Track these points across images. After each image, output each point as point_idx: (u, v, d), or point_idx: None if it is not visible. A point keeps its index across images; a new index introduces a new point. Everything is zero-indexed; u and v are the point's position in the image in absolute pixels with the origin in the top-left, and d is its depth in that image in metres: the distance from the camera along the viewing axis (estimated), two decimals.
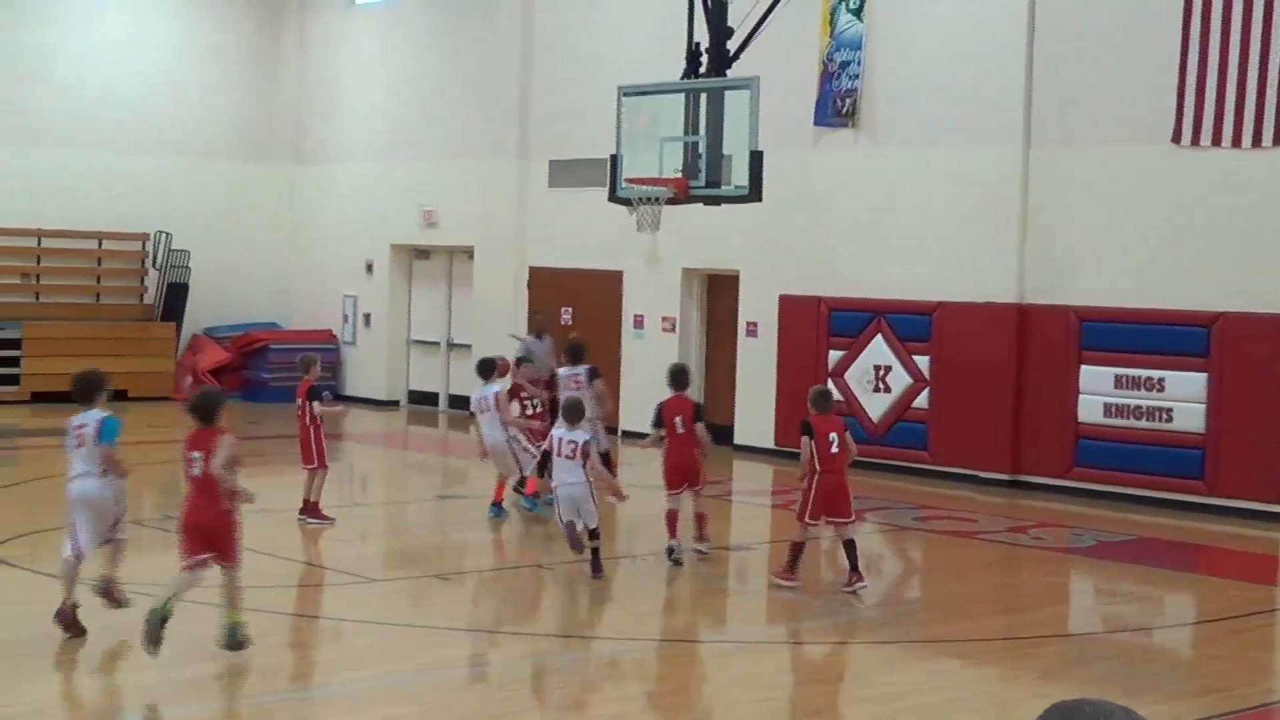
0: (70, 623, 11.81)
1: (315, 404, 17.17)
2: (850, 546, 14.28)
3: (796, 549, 14.30)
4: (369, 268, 30.89)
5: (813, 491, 14.07)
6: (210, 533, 11.33)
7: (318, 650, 12.43)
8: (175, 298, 30.63)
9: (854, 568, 14.24)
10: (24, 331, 28.67)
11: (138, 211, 30.40)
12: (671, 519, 15.57)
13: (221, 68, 31.75)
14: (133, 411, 25.58)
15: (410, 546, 16.99)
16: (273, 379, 29.82)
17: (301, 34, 32.30)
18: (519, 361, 19.64)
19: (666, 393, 15.84)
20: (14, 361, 28.57)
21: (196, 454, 11.27)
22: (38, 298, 30.01)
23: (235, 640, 11.39)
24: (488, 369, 18.24)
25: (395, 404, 30.09)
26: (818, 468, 14.03)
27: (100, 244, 30.49)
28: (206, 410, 11.56)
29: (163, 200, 30.59)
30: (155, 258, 30.66)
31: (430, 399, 29.95)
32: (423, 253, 30.61)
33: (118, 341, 29.17)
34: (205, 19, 31.63)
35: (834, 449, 14.12)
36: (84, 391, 12.23)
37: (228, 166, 31.74)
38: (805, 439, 14.05)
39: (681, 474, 15.61)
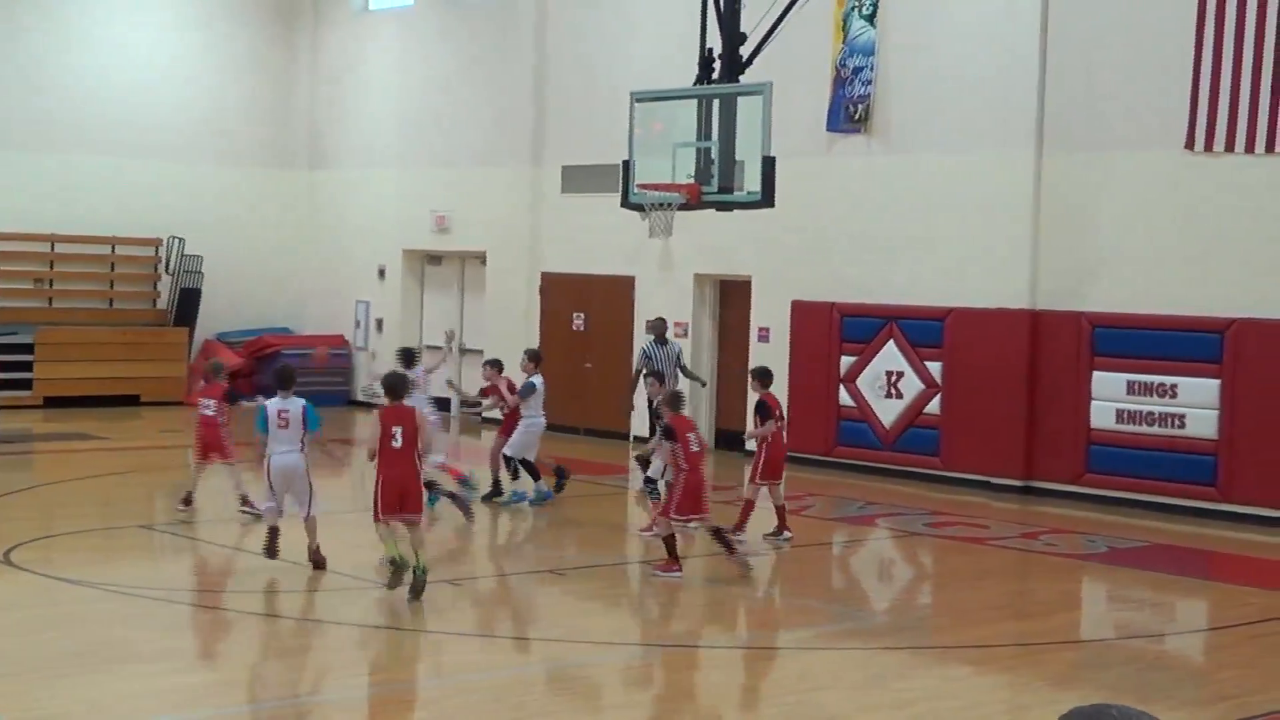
0: (271, 548, 14.58)
1: (243, 402, 18.05)
2: (717, 532, 15.11)
3: (670, 541, 14.99)
4: (381, 273, 30.93)
5: (680, 489, 14.79)
6: (407, 494, 13.55)
7: (333, 655, 12.43)
8: (188, 303, 30.67)
9: (729, 546, 15.10)
10: (36, 336, 28.71)
11: (151, 217, 30.45)
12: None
13: (235, 74, 31.79)
14: (145, 416, 25.74)
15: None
16: None
17: (315, 40, 32.35)
18: (646, 373, 19.90)
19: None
20: (27, 366, 28.62)
21: (397, 428, 13.42)
22: (50, 303, 30.07)
23: (422, 582, 13.40)
24: (411, 357, 19.25)
25: None
26: (684, 466, 14.78)
27: (113, 249, 30.54)
28: (398, 390, 13.85)
29: (176, 206, 30.64)
30: (168, 263, 30.72)
31: (442, 405, 29.92)
32: (435, 258, 30.64)
33: (130, 346, 29.25)
34: (219, 25, 31.67)
35: (694, 447, 14.91)
36: (284, 380, 14.97)
37: (241, 172, 31.80)
38: (667, 443, 14.95)
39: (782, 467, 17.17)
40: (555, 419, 27.31)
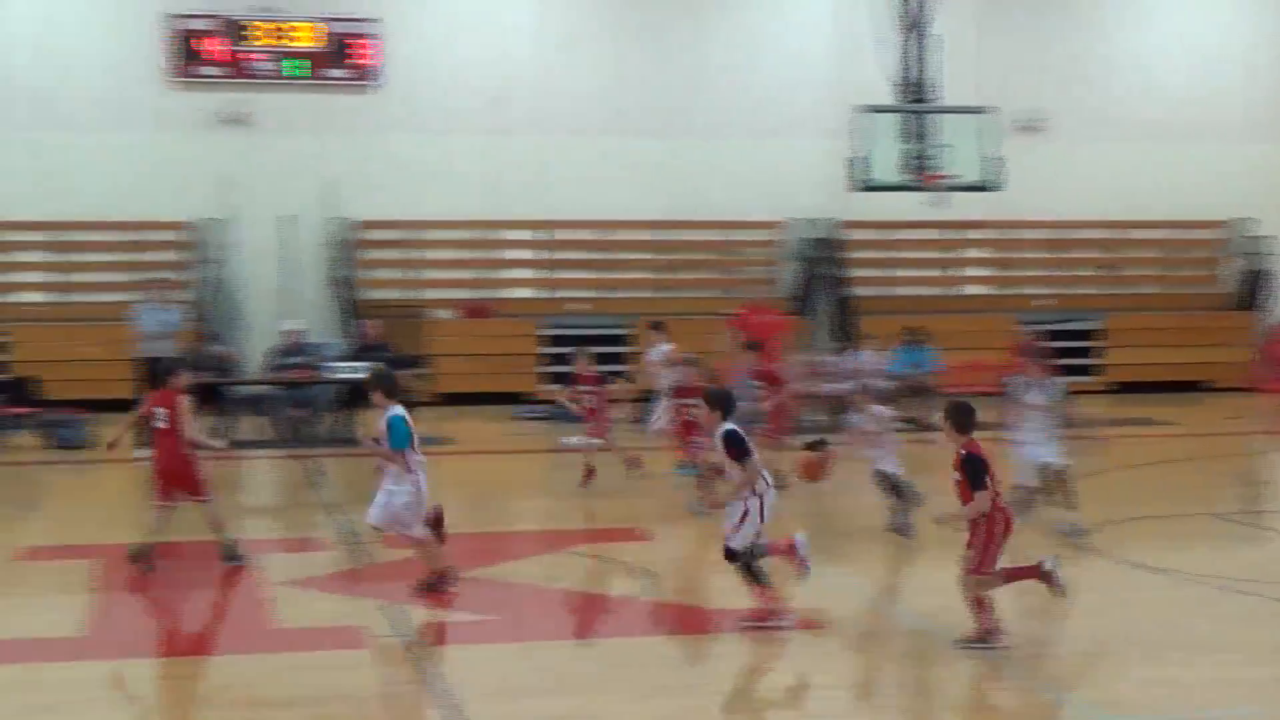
0: None
1: None
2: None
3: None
4: None
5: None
6: None
7: None
8: (1254, 286, 30.26)
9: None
10: (1106, 323, 29.39)
11: (1214, 199, 30.29)
12: None
13: None
14: (1208, 402, 25.64)
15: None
16: None
17: None
18: None
19: None
20: (1096, 352, 29.30)
21: None
22: (1116, 290, 30.65)
23: None
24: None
25: None
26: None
27: (1174, 233, 30.69)
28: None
29: (1241, 187, 30.30)
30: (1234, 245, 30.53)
31: None
32: None
33: (1193, 331, 29.20)
34: None
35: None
36: None
37: None
38: None
39: None
40: None
